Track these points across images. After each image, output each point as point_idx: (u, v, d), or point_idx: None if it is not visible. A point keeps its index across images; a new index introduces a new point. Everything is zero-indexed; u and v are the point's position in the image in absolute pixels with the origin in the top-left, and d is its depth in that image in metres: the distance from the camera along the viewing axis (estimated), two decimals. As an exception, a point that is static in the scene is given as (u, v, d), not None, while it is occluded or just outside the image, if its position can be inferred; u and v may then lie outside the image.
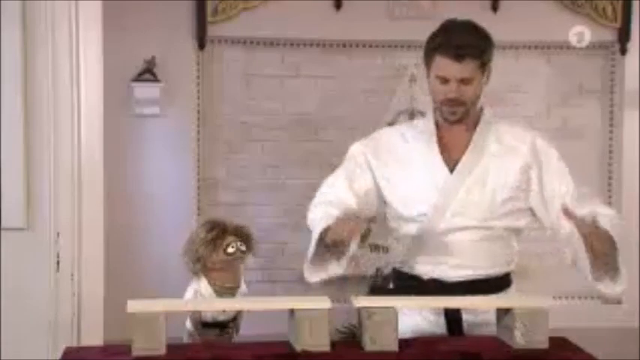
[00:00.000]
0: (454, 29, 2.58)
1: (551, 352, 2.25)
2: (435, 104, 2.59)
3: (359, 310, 2.30)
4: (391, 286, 2.78)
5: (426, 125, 2.64)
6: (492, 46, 2.61)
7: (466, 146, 2.56)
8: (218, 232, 2.65)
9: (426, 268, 2.57)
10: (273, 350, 2.25)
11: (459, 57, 2.48)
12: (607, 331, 5.19)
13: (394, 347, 2.23)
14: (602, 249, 2.33)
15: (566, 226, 2.44)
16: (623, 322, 5.60)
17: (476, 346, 2.30)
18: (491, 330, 2.43)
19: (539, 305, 2.29)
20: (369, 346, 2.23)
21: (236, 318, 2.68)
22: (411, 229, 2.59)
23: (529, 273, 5.61)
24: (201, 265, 2.64)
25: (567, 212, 2.30)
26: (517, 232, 2.63)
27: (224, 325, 2.64)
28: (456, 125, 2.58)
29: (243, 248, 2.65)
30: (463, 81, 2.51)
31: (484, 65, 2.57)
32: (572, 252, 2.48)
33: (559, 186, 2.57)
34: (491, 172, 2.54)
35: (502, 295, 2.58)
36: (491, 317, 2.44)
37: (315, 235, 2.49)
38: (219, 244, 2.62)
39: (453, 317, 2.53)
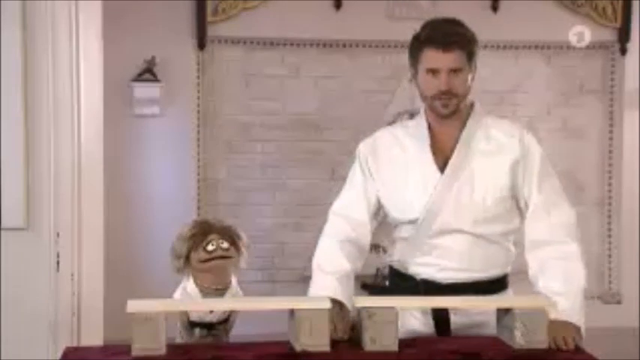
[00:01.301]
0: (439, 22, 2.63)
1: (551, 352, 2.25)
2: (427, 100, 2.57)
3: (359, 310, 2.30)
4: (387, 284, 2.80)
5: (418, 126, 2.63)
6: (476, 41, 2.59)
7: (456, 144, 2.56)
8: (199, 229, 2.64)
9: (419, 269, 2.57)
10: (273, 350, 2.25)
11: (447, 46, 2.50)
12: (607, 331, 5.19)
13: (394, 347, 2.23)
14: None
15: (533, 266, 2.52)
16: (623, 322, 5.61)
17: (476, 346, 2.30)
18: (483, 332, 2.46)
19: (539, 305, 2.29)
20: (369, 346, 2.23)
21: (227, 320, 2.67)
22: (406, 230, 2.60)
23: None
24: (183, 262, 2.63)
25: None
26: (512, 233, 2.61)
27: (211, 326, 2.63)
28: (448, 121, 2.56)
29: (225, 246, 2.62)
30: (453, 71, 2.50)
31: (471, 57, 2.55)
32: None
33: (536, 193, 2.54)
34: (481, 173, 2.52)
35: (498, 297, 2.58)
36: (483, 318, 2.47)
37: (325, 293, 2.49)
38: (200, 241, 2.61)
39: (440, 318, 2.54)
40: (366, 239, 2.64)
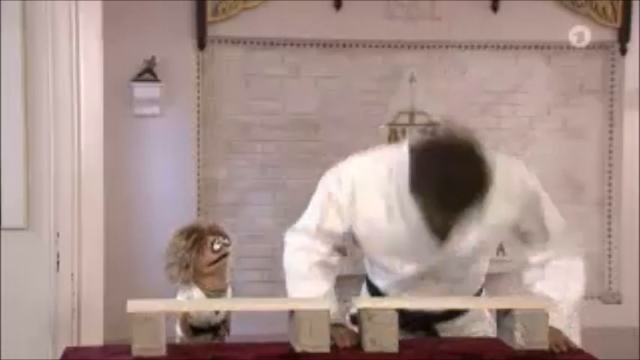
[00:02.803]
0: (455, 185, 2.10)
1: (551, 353, 2.25)
2: None
3: (359, 311, 2.30)
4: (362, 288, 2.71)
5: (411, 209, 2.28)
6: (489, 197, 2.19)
7: None
8: (197, 235, 2.67)
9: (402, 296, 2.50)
10: (273, 350, 2.25)
11: (458, 221, 2.19)
12: (607, 331, 5.19)
13: (394, 348, 2.23)
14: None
15: (527, 277, 2.50)
16: (623, 322, 5.61)
17: (476, 347, 2.30)
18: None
19: (539, 306, 2.29)
20: (369, 347, 2.23)
21: (225, 320, 2.69)
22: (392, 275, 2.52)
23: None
24: (191, 271, 2.65)
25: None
26: None
27: (216, 329, 2.65)
28: None
29: (227, 242, 2.67)
30: None
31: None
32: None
33: (550, 223, 2.46)
34: (482, 241, 2.41)
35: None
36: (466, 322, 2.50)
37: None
38: (204, 245, 2.64)
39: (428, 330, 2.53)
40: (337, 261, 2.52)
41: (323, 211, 2.48)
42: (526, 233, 2.48)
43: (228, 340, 2.73)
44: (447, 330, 2.51)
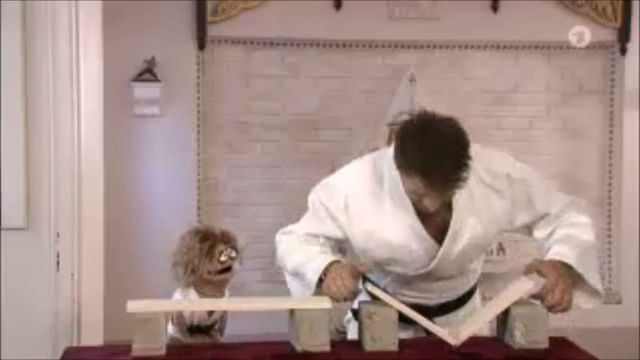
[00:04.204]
0: (434, 151, 2.18)
1: (552, 352, 2.25)
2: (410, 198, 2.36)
3: (359, 309, 2.30)
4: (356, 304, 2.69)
5: (400, 198, 2.37)
6: (470, 166, 2.22)
7: (444, 212, 2.37)
8: (208, 240, 2.67)
9: (404, 299, 2.49)
10: (273, 350, 2.25)
11: (438, 189, 2.24)
12: (607, 331, 5.19)
13: (394, 347, 2.23)
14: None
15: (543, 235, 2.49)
16: (623, 322, 5.61)
17: (476, 346, 2.30)
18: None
19: (539, 305, 2.29)
20: (369, 345, 2.23)
21: (216, 322, 2.69)
22: (391, 272, 2.54)
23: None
24: (195, 277, 2.66)
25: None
26: None
27: (209, 330, 2.65)
28: None
29: (233, 255, 2.68)
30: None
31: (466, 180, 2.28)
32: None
33: (544, 208, 2.48)
34: (479, 234, 2.43)
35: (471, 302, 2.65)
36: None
37: (312, 286, 2.39)
38: (211, 252, 2.65)
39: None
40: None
41: (316, 220, 2.51)
42: (525, 226, 2.51)
43: (227, 339, 2.73)
44: (445, 324, 2.51)
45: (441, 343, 2.29)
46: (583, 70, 5.95)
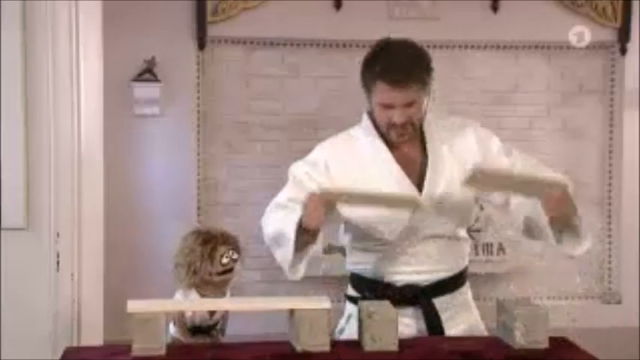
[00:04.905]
0: (392, 54, 2.48)
1: (551, 352, 2.25)
2: (381, 128, 2.54)
3: (360, 309, 2.30)
4: (347, 291, 2.74)
5: (376, 147, 2.56)
6: (432, 67, 2.48)
7: (421, 158, 2.52)
8: (211, 241, 2.68)
9: (394, 277, 2.55)
10: (273, 350, 2.25)
11: (401, 82, 2.40)
12: (607, 331, 5.19)
13: (394, 347, 2.23)
14: (559, 209, 2.36)
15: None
16: (623, 322, 5.61)
17: (476, 346, 2.30)
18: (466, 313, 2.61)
19: (539, 305, 2.29)
20: (369, 345, 2.23)
21: (218, 322, 2.70)
22: (377, 244, 2.57)
23: (529, 273, 5.62)
24: (197, 278, 2.67)
25: None
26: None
27: (210, 330, 2.65)
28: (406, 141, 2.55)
29: (235, 257, 2.69)
30: (408, 104, 2.46)
31: (426, 85, 2.48)
32: (526, 221, 2.52)
33: (508, 161, 2.59)
34: (456, 189, 2.50)
35: (463, 291, 2.66)
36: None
37: (290, 236, 2.45)
38: (213, 254, 2.65)
39: (432, 321, 2.55)
40: None
41: (298, 187, 2.56)
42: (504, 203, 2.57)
43: (227, 339, 2.73)
44: (443, 310, 2.54)
45: (442, 342, 2.28)
46: (583, 70, 5.94)
